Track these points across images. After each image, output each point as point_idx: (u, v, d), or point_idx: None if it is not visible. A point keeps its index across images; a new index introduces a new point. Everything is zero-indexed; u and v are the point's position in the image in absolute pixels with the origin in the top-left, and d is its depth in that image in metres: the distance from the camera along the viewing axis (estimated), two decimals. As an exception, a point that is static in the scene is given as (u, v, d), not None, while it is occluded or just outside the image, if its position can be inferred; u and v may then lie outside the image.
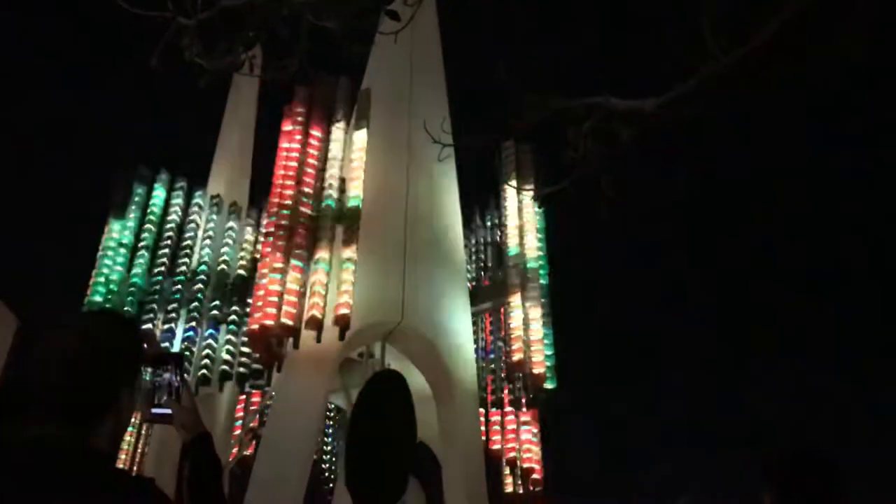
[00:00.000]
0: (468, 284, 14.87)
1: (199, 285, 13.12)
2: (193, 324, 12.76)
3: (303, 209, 12.39)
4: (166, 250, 13.45)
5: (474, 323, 14.56)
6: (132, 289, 13.00)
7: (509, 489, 13.92)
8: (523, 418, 14.13)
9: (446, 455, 12.85)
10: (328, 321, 11.53)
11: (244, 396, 14.52)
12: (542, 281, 14.43)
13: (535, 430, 14.17)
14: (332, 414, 16.09)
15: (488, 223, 16.11)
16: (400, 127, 13.61)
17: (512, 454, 13.95)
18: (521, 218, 14.85)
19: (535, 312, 14.01)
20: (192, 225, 13.85)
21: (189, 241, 13.63)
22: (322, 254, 12.00)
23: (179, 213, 13.92)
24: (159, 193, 14.01)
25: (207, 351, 12.59)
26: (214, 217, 14.05)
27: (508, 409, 14.21)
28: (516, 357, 13.67)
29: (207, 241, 13.70)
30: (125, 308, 12.54)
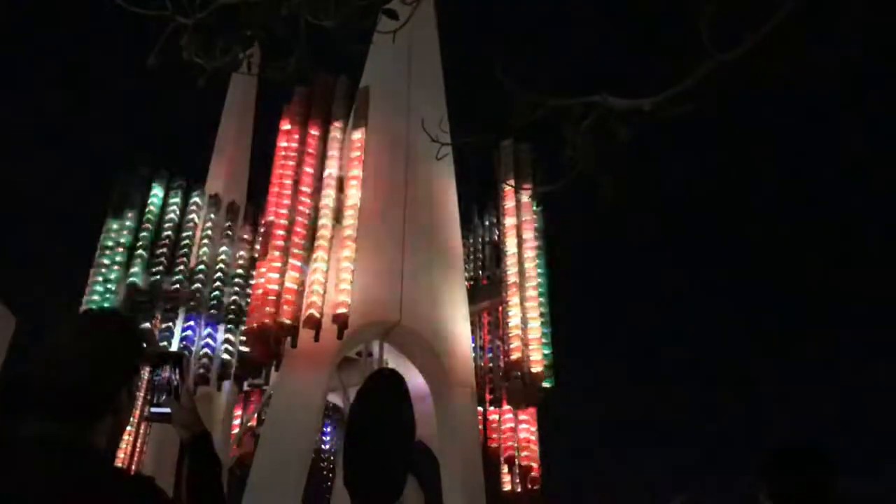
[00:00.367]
0: (466, 283, 14.87)
1: (198, 284, 13.11)
2: (192, 323, 12.75)
3: (301, 208, 12.40)
4: (164, 249, 13.44)
5: (472, 322, 14.57)
6: (130, 288, 12.98)
7: (507, 488, 13.93)
8: (521, 416, 14.14)
9: (445, 454, 12.85)
10: (326, 320, 11.54)
11: (243, 395, 14.52)
12: (540, 280, 14.44)
13: (534, 429, 14.18)
14: (330, 413, 16.09)
15: (486, 222, 16.11)
16: (398, 126, 13.61)
17: (510, 452, 13.96)
18: (519, 217, 14.86)
19: (533, 311, 14.01)
20: (191, 224, 13.84)
21: (187, 241, 13.62)
22: (320, 253, 12.01)
23: (177, 212, 13.90)
24: (157, 192, 13.99)
25: (206, 350, 12.58)
26: (213, 216, 14.04)
27: (506, 407, 14.21)
28: (514, 356, 13.68)
29: (206, 241, 13.69)
30: (123, 307, 12.52)
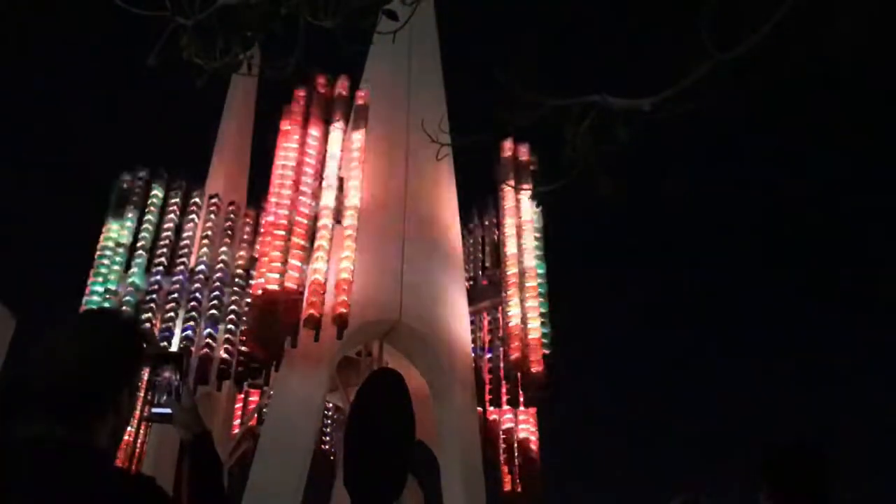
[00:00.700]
0: (466, 283, 14.88)
1: (198, 284, 13.11)
2: (192, 323, 12.75)
3: (301, 208, 12.41)
4: (164, 249, 13.44)
5: (472, 322, 14.57)
6: (130, 288, 12.98)
7: (508, 488, 13.93)
8: (521, 416, 14.14)
9: (445, 454, 12.85)
10: (326, 320, 11.54)
11: (243, 395, 14.51)
12: (540, 280, 14.44)
13: (534, 429, 14.18)
14: (329, 412, 16.09)
15: (486, 222, 16.11)
16: (398, 126, 13.62)
17: (510, 453, 13.95)
18: (519, 217, 14.86)
19: (534, 311, 14.01)
20: (191, 224, 13.83)
21: (187, 241, 13.62)
22: (320, 253, 12.01)
23: (178, 213, 13.90)
24: (157, 193, 14.00)
25: (206, 350, 12.58)
26: (213, 216, 14.03)
27: (506, 407, 14.21)
28: (514, 356, 13.68)
29: (206, 241, 13.69)
30: (123, 307, 12.52)
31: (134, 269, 13.18)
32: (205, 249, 13.59)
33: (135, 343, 1.98)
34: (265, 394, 13.55)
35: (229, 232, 13.99)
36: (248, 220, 14.35)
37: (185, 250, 13.51)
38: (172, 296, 13.01)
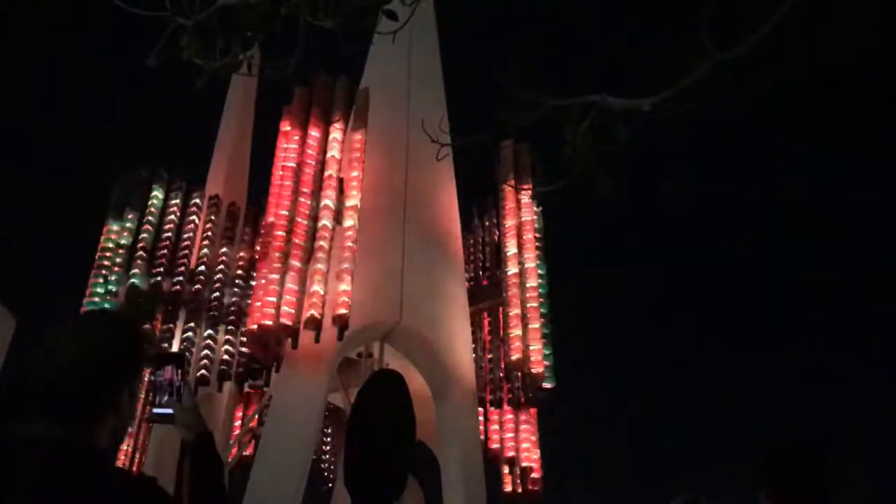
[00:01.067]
0: (466, 284, 14.87)
1: (198, 286, 13.10)
2: (192, 324, 12.74)
3: (301, 209, 12.40)
4: (165, 251, 13.42)
5: (473, 322, 14.57)
6: (131, 289, 12.97)
7: (508, 489, 13.93)
8: (522, 417, 14.14)
9: (445, 455, 12.85)
10: (327, 321, 11.54)
11: (243, 396, 14.49)
12: (540, 280, 14.44)
13: (534, 430, 14.18)
14: (330, 413, 16.07)
15: (486, 222, 16.11)
16: (398, 127, 13.61)
17: (510, 453, 13.95)
18: (519, 217, 14.86)
19: (533, 311, 14.01)
20: (191, 225, 13.82)
21: (188, 242, 13.60)
22: (320, 253, 12.01)
23: (178, 214, 13.88)
24: (158, 194, 13.98)
25: (206, 351, 12.57)
26: (213, 217, 14.02)
27: (507, 408, 14.21)
28: (515, 356, 13.68)
29: (206, 242, 13.68)
30: (124, 308, 12.51)
31: (134, 270, 13.16)
32: (205, 250, 13.59)
33: (135, 344, 1.98)
34: (266, 395, 13.54)
35: (230, 233, 13.99)
36: (248, 220, 14.34)
37: (186, 251, 13.50)
38: (173, 297, 12.99)
